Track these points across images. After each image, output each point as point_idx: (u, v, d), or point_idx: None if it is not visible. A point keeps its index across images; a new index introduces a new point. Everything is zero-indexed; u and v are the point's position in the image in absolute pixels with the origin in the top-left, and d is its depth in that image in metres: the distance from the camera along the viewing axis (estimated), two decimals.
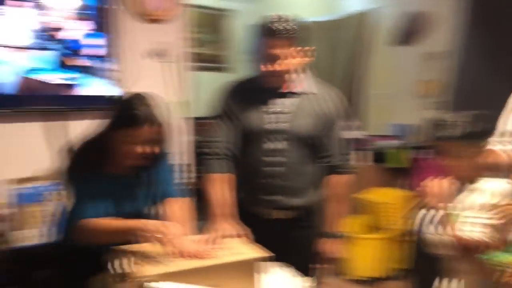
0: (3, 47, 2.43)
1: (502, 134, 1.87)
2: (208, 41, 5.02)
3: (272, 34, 1.67)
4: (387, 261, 3.23)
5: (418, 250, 2.27)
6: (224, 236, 1.61)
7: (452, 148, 1.55)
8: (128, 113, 1.53)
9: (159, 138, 1.59)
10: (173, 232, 1.45)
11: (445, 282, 1.66)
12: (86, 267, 1.57)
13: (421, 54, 3.79)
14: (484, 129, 1.58)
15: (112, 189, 1.63)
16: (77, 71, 2.68)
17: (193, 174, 3.23)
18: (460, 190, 1.59)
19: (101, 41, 2.74)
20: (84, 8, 2.67)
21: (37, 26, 2.53)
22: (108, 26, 2.76)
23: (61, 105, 2.67)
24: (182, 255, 1.43)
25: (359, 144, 3.63)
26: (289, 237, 1.84)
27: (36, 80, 2.55)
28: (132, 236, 1.49)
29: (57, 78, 2.62)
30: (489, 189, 1.55)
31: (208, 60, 4.96)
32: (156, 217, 1.73)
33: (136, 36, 2.93)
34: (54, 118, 2.68)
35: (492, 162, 1.63)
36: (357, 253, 3.16)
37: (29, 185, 2.57)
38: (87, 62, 2.71)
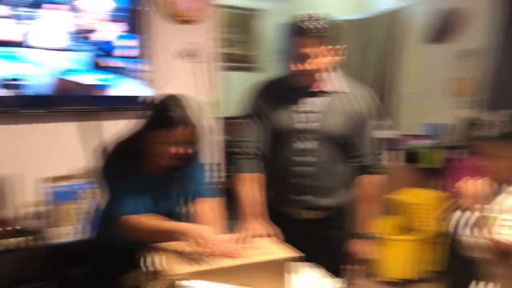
0: (40, 49, 2.50)
1: None
2: (238, 41, 5.04)
3: (303, 33, 1.66)
4: (419, 263, 3.18)
5: (453, 253, 2.22)
6: (254, 236, 1.61)
7: (489, 148, 1.51)
8: (163, 114, 1.55)
9: (192, 139, 1.60)
10: (213, 240, 1.45)
11: (481, 286, 1.62)
12: (119, 264, 1.60)
13: (455, 52, 3.70)
14: None
15: (146, 188, 1.65)
16: (110, 72, 2.73)
17: (223, 174, 3.24)
18: (497, 192, 1.54)
19: (133, 42, 2.79)
20: (117, 10, 2.72)
21: (72, 28, 2.59)
22: (140, 28, 2.80)
23: (94, 106, 2.73)
24: (213, 254, 1.43)
25: (391, 144, 3.58)
26: (320, 238, 1.83)
27: (71, 81, 2.62)
28: (171, 238, 1.51)
29: (91, 79, 2.68)
30: None
31: (238, 60, 4.98)
32: (188, 216, 1.75)
33: (167, 37, 2.96)
34: (88, 118, 2.74)
35: None
36: (389, 254, 3.12)
37: (65, 183, 2.63)
38: (120, 63, 2.75)
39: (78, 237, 2.48)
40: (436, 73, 3.88)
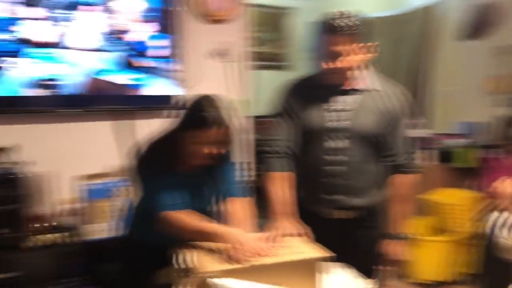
0: (75, 50, 2.57)
1: None
2: (268, 39, 5.03)
3: (334, 30, 1.65)
4: (453, 264, 3.11)
5: (489, 255, 2.16)
6: (284, 235, 1.61)
7: None
8: (197, 114, 1.56)
9: (225, 140, 1.62)
10: (250, 246, 1.45)
11: None
12: (152, 261, 1.62)
13: (491, 48, 3.59)
14: None
15: (181, 186, 1.67)
16: (142, 71, 2.78)
17: (253, 172, 3.25)
18: None
19: (165, 42, 2.82)
20: (149, 10, 2.76)
21: (106, 29, 2.64)
22: (172, 28, 2.83)
23: (128, 105, 2.78)
24: (245, 255, 1.43)
25: (424, 143, 3.52)
26: (351, 238, 1.81)
27: (104, 81, 2.67)
28: (209, 239, 1.52)
29: (124, 78, 2.73)
30: None
31: (268, 58, 4.97)
32: (219, 215, 1.76)
33: (198, 36, 2.99)
34: (121, 117, 2.79)
35: None
36: (422, 255, 3.06)
37: (99, 181, 2.69)
38: (152, 63, 2.80)
39: (112, 234, 2.53)
40: (471, 70, 3.78)
